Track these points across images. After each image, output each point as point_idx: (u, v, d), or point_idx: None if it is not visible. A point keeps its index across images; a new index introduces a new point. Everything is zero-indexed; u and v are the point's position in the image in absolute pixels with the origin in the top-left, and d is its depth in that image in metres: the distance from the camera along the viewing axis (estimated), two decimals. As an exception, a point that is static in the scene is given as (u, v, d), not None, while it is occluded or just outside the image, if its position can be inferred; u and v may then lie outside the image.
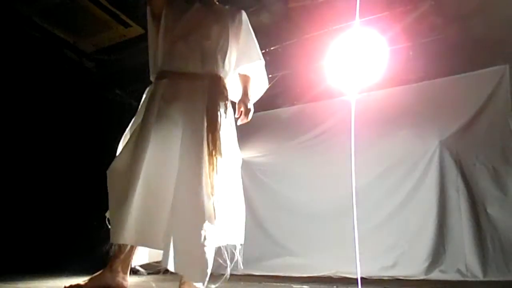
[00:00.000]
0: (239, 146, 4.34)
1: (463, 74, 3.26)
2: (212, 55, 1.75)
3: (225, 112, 1.72)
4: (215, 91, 1.71)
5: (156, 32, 1.78)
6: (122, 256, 1.69)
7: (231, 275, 3.50)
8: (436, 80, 3.35)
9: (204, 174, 1.55)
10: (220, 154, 1.60)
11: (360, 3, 2.02)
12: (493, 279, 2.69)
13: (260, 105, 4.11)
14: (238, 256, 1.85)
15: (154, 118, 1.65)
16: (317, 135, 3.67)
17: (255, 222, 3.73)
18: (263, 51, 3.87)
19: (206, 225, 1.52)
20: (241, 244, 1.86)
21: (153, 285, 2.35)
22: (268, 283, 2.83)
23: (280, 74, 4.00)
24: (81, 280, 1.73)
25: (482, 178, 2.97)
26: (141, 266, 1.83)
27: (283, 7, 3.18)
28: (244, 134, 4.19)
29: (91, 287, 1.67)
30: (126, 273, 1.74)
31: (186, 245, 1.49)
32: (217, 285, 1.81)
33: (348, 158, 2.55)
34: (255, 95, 1.98)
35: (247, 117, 1.82)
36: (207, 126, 1.62)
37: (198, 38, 1.75)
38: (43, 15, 3.31)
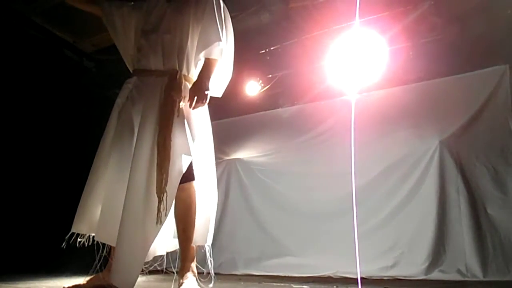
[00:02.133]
0: (240, 146, 4.32)
1: (463, 74, 3.26)
2: (173, 50, 1.73)
3: (179, 110, 1.65)
4: (170, 87, 1.67)
5: (121, 35, 1.83)
6: None
7: (231, 275, 3.51)
8: (436, 80, 3.35)
9: (150, 174, 1.56)
10: (167, 153, 1.56)
11: (360, 3, 2.02)
12: (493, 279, 2.68)
13: (260, 105, 4.16)
14: (209, 258, 1.85)
15: (115, 120, 1.72)
16: (317, 135, 3.67)
17: (254, 222, 3.73)
18: (263, 51, 3.93)
19: (139, 227, 1.52)
20: (209, 246, 1.84)
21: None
22: (268, 283, 2.82)
23: (280, 74, 4.00)
24: (81, 280, 1.73)
25: (482, 178, 2.96)
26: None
27: (283, 7, 3.18)
28: (244, 134, 4.22)
29: (91, 287, 1.67)
30: None
31: (121, 247, 1.53)
32: (210, 285, 1.81)
33: (348, 158, 2.55)
34: (217, 79, 1.88)
35: (201, 103, 1.70)
36: (159, 125, 1.61)
37: (160, 34, 1.74)
38: (43, 15, 3.30)
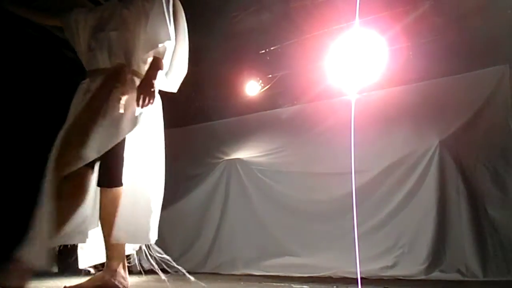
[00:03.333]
0: (239, 146, 4.30)
1: (463, 74, 3.26)
2: (119, 46, 1.72)
3: (121, 105, 1.63)
4: (114, 81, 1.67)
5: (77, 39, 1.84)
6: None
7: (231, 275, 3.51)
8: (436, 80, 3.34)
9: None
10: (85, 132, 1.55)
11: (360, 3, 2.03)
12: (493, 279, 2.68)
13: (260, 105, 4.15)
14: (135, 258, 1.87)
15: (68, 120, 1.72)
16: (317, 134, 3.67)
17: (254, 222, 3.73)
18: (263, 51, 3.93)
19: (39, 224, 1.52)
20: (148, 245, 1.84)
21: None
22: (268, 283, 2.82)
23: (280, 74, 4.00)
24: (82, 280, 1.73)
25: (482, 178, 2.96)
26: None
27: (283, 7, 3.18)
28: (244, 134, 4.22)
29: (91, 287, 1.67)
30: (125, 273, 1.75)
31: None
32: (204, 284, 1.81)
33: (348, 157, 2.55)
34: (171, 74, 1.86)
35: (149, 102, 1.65)
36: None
37: (106, 32, 1.74)
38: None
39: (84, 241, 1.69)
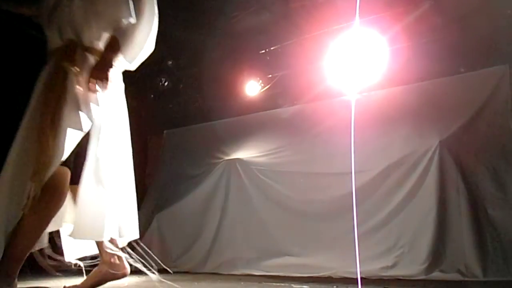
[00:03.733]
0: (239, 146, 4.27)
1: (463, 74, 3.25)
2: (68, 23, 1.61)
3: (73, 82, 1.53)
4: (62, 57, 1.56)
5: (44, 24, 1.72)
6: (107, 247, 1.62)
7: (231, 275, 3.50)
8: (436, 80, 3.34)
9: (26, 154, 1.48)
10: (44, 133, 1.44)
11: (360, 3, 2.02)
12: (493, 279, 2.68)
13: (260, 105, 4.16)
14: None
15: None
16: (317, 134, 3.67)
17: (255, 222, 3.73)
18: (263, 51, 3.94)
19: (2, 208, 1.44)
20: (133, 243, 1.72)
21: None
22: (268, 283, 2.82)
23: (280, 74, 4.01)
24: (81, 280, 1.72)
25: (482, 178, 2.96)
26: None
27: (283, 7, 3.18)
28: (244, 134, 4.22)
29: (90, 285, 1.66)
30: (122, 261, 1.67)
31: None
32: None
33: (348, 157, 2.55)
34: (132, 52, 1.71)
35: (103, 82, 1.55)
36: (44, 102, 1.52)
37: (59, 10, 1.64)
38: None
39: (60, 226, 1.62)
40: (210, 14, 3.35)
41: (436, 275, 2.83)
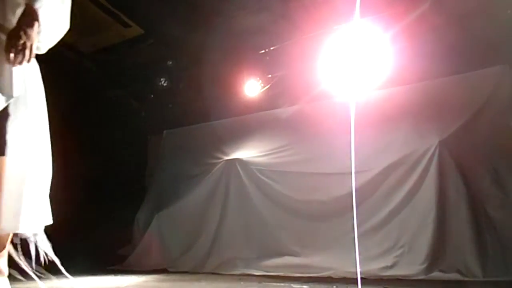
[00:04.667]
0: (239, 146, 4.23)
1: (463, 74, 3.25)
2: None
3: None
4: None
5: None
6: None
7: (231, 275, 3.49)
8: (436, 80, 3.34)
9: None
10: None
11: (360, 3, 2.02)
12: (492, 279, 2.68)
13: (260, 105, 4.16)
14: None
15: None
16: (316, 135, 3.66)
17: (254, 222, 3.73)
18: (263, 51, 3.93)
19: None
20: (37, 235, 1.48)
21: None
22: (268, 283, 2.82)
23: (279, 74, 4.00)
24: (84, 280, 1.69)
25: (482, 178, 2.96)
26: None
27: (282, 7, 3.18)
28: (244, 134, 4.22)
29: None
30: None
31: None
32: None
33: (347, 157, 2.54)
34: (45, 32, 1.50)
35: (23, 58, 1.39)
36: None
37: None
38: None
39: None
40: (210, 14, 3.34)
41: (436, 275, 2.83)
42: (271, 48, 3.71)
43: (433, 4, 3.00)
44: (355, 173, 2.76)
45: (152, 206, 4.31)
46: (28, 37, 1.39)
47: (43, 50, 1.58)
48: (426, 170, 3.08)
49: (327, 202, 3.40)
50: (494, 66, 3.10)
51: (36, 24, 1.43)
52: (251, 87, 4.07)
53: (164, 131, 4.73)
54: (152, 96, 4.57)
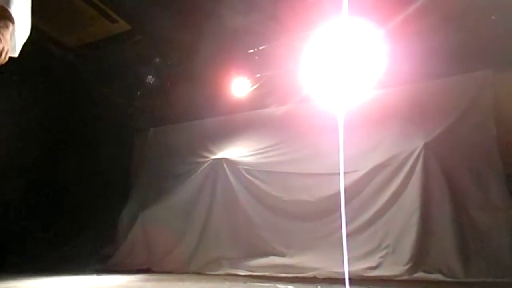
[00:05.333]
0: (226, 145, 4.20)
1: (448, 78, 3.31)
2: None
3: None
4: None
5: None
6: None
7: (216, 275, 3.45)
8: (421, 83, 3.39)
9: None
10: None
11: (347, 6, 2.02)
12: (474, 280, 2.73)
13: (248, 104, 4.14)
14: None
15: None
16: (304, 135, 3.68)
17: (241, 222, 3.71)
18: (252, 50, 3.91)
19: None
20: None
21: None
22: (253, 283, 2.81)
23: (268, 74, 3.99)
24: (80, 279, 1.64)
25: (465, 180, 3.01)
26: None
27: (271, 8, 3.17)
28: (231, 133, 4.20)
29: None
30: None
31: None
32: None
33: (334, 158, 2.55)
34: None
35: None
36: None
37: None
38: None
39: None
40: (199, 14, 3.31)
41: (419, 275, 2.87)
42: (260, 48, 3.70)
43: (419, 7, 3.04)
44: (343, 173, 2.77)
45: (137, 204, 4.24)
46: (4, 40, 1.35)
47: (17, 52, 1.51)
48: (411, 171, 3.13)
49: (313, 203, 3.42)
50: (478, 70, 3.16)
51: (10, 26, 1.38)
52: (240, 86, 4.05)
53: (151, 129, 4.67)
54: (139, 93, 4.50)
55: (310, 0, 3.10)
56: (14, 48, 1.47)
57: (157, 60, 4.13)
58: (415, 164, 3.11)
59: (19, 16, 1.45)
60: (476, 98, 3.13)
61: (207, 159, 4.05)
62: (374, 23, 3.12)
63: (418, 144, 3.15)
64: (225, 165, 3.92)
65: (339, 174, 2.61)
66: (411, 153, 3.14)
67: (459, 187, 3.01)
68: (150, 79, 4.24)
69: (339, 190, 2.64)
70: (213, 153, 4.09)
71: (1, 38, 1.35)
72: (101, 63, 4.08)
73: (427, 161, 3.09)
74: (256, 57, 3.85)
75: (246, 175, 3.80)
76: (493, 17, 3.03)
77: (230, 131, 4.13)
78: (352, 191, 3.20)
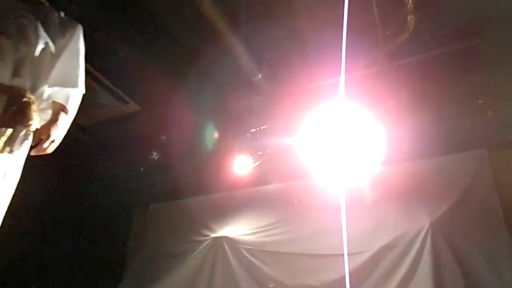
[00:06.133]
0: (227, 223, 4.13)
1: (444, 156, 3.38)
2: (25, 65, 1.50)
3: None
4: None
5: None
6: None
7: None
8: (419, 161, 3.46)
9: None
10: None
11: (346, 87, 2.17)
12: None
13: (250, 181, 4.15)
14: None
15: None
16: (308, 214, 3.61)
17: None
18: (254, 129, 4.07)
19: None
20: None
21: None
22: None
23: (269, 152, 4.10)
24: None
25: (475, 259, 2.89)
26: None
27: (273, 92, 3.41)
28: (233, 210, 4.12)
29: None
30: None
31: None
32: None
33: (339, 238, 2.47)
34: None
35: (47, 149, 1.54)
36: None
37: (14, 43, 1.49)
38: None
39: None
40: (202, 96, 3.53)
41: None
42: (262, 128, 3.86)
43: (408, 93, 3.26)
44: (348, 255, 2.66)
45: (132, 286, 3.97)
46: (56, 141, 1.54)
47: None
48: (420, 252, 3.00)
49: (319, 287, 3.20)
50: (474, 150, 3.26)
51: (66, 119, 1.60)
52: (241, 164, 4.12)
53: (151, 205, 4.61)
54: (142, 169, 4.55)
55: (309, 86, 3.34)
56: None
57: (163, 137, 4.28)
58: (423, 244, 3.01)
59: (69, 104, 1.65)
60: (477, 174, 3.16)
61: (207, 238, 3.92)
62: (372, 104, 3.31)
63: (423, 222, 3.08)
64: (225, 245, 3.77)
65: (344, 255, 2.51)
66: (418, 233, 3.06)
67: (471, 268, 2.87)
68: (154, 155, 4.34)
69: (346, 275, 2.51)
70: (213, 230, 3.97)
71: (56, 130, 1.53)
72: (108, 140, 4.22)
73: (435, 240, 2.99)
74: (258, 136, 3.99)
75: (248, 256, 3.63)
76: (479, 101, 3.24)
77: (231, 208, 4.07)
78: (360, 275, 3.03)
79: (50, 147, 1.55)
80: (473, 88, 3.14)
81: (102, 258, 4.18)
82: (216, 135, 3.92)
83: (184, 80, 3.33)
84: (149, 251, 4.26)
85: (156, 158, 4.31)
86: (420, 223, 3.10)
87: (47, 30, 1.57)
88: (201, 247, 3.87)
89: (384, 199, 3.34)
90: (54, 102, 1.63)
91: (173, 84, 3.45)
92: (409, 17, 2.63)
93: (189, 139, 4.06)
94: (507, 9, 2.50)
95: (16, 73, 1.47)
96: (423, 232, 3.04)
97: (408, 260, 3.03)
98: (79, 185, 3.98)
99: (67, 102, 1.64)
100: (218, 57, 2.95)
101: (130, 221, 4.82)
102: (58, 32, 1.61)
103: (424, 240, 3.02)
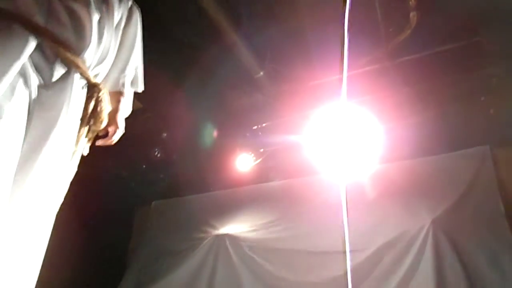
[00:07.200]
0: (229, 220, 4.14)
1: (446, 154, 3.39)
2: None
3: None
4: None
5: None
6: None
7: None
8: (420, 159, 3.46)
9: None
10: None
11: (348, 86, 2.18)
12: None
13: (251, 178, 4.16)
14: None
15: None
16: (309, 211, 3.62)
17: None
18: (256, 127, 4.08)
19: None
20: None
21: None
22: None
23: (271, 149, 4.10)
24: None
25: (477, 257, 2.89)
26: None
27: (275, 89, 3.41)
28: (235, 207, 4.13)
29: None
30: None
31: None
32: None
33: (340, 235, 2.47)
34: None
35: (113, 140, 1.57)
36: None
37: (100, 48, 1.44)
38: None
39: None
40: (204, 94, 3.54)
41: None
42: (263, 125, 3.87)
43: (410, 91, 3.26)
44: (349, 252, 2.67)
45: (133, 284, 3.99)
46: (122, 130, 1.61)
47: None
48: (421, 250, 3.00)
49: (320, 284, 3.21)
50: (476, 146, 3.26)
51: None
52: (243, 161, 4.12)
53: (153, 202, 4.62)
54: (144, 166, 4.56)
55: (311, 83, 3.34)
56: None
57: (164, 135, 4.28)
58: (425, 241, 3.01)
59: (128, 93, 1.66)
60: (478, 172, 3.16)
61: (209, 235, 3.93)
62: (374, 102, 3.31)
63: (425, 220, 3.09)
64: (227, 242, 3.78)
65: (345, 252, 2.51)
66: (419, 231, 3.06)
67: (473, 267, 2.87)
68: (156, 152, 4.34)
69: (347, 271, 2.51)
70: (215, 228, 3.98)
71: (122, 121, 1.59)
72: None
73: (437, 238, 2.99)
74: (260, 133, 3.99)
75: (250, 254, 3.63)
76: (482, 98, 3.23)
77: (233, 205, 4.08)
78: (361, 272, 3.04)
79: (117, 137, 1.56)
80: (475, 86, 3.14)
81: (104, 255, 4.20)
82: (217, 132, 3.92)
83: (186, 78, 3.33)
84: (151, 248, 4.28)
85: (158, 156, 4.32)
86: (421, 220, 3.10)
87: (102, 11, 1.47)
88: (202, 244, 3.88)
89: (386, 196, 3.34)
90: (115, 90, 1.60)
91: (175, 82, 3.46)
92: (411, 14, 2.62)
93: (191, 137, 4.07)
94: (510, 6, 2.49)
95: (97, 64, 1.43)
96: (425, 230, 3.04)
97: (410, 257, 3.03)
98: (80, 183, 3.99)
99: (125, 88, 1.63)
100: (220, 54, 2.95)
101: (132, 218, 4.83)
102: (117, 11, 1.55)
103: (425, 238, 3.02)
